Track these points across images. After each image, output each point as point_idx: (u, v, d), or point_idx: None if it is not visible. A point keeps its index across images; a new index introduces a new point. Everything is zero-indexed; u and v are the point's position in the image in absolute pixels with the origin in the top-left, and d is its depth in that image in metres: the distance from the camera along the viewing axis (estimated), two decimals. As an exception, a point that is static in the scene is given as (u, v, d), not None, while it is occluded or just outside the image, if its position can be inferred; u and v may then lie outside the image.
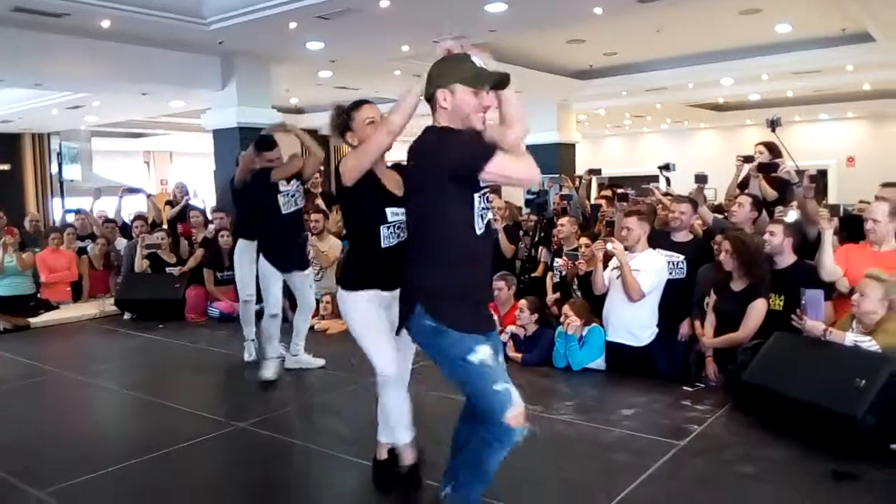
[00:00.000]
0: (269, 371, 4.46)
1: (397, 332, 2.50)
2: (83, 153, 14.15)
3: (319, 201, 7.60)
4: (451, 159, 2.14)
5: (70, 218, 9.08)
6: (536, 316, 4.78)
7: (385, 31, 7.06)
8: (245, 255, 4.75)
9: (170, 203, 8.35)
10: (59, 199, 12.78)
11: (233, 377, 4.72)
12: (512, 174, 2.19)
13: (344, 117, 2.72)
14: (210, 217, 7.60)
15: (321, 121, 16.42)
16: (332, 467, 3.27)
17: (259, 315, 4.78)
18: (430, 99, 2.24)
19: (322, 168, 11.91)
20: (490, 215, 2.31)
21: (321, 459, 3.37)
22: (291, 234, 4.55)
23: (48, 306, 7.15)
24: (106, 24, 6.53)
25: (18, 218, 9.32)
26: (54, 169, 13.33)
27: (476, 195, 2.21)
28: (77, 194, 13.27)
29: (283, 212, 4.44)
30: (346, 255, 2.92)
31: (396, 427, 2.73)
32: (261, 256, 4.50)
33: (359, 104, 2.74)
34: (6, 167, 13.23)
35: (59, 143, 13.55)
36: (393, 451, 2.81)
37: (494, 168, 2.12)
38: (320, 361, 4.76)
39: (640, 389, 4.14)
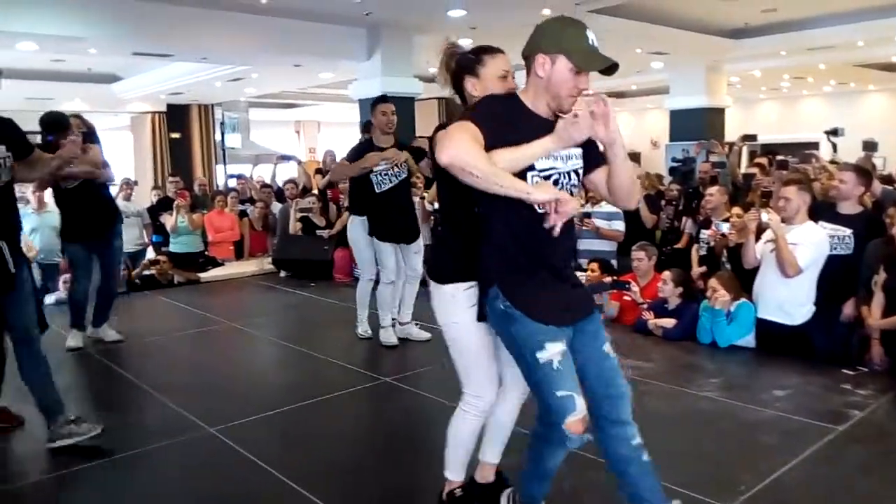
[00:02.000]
0: (392, 337, 4.65)
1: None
2: (242, 123, 15.28)
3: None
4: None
5: (232, 183, 9.92)
6: (681, 289, 4.63)
7: (527, -5, 6.98)
8: (360, 232, 4.68)
9: (319, 171, 8.83)
10: (222, 166, 13.88)
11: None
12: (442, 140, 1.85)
13: (472, 58, 2.24)
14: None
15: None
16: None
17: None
18: (527, 58, 1.95)
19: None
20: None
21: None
22: (392, 209, 4.50)
23: (215, 263, 7.88)
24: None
25: (188, 182, 10.29)
26: (218, 137, 14.47)
27: (529, 173, 1.93)
28: (237, 161, 14.40)
29: (377, 191, 4.41)
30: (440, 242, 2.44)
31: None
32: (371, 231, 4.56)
33: (495, 50, 2.27)
34: (177, 136, 14.57)
35: (221, 113, 14.69)
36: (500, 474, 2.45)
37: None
38: (426, 335, 4.74)
39: (794, 370, 3.92)
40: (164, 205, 8.22)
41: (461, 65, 2.25)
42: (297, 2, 7.24)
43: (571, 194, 1.97)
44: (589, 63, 1.89)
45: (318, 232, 7.59)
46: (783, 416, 3.30)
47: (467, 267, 2.14)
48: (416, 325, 4.82)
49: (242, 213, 8.54)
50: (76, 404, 3.45)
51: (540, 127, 1.93)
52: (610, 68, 1.88)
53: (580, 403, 1.94)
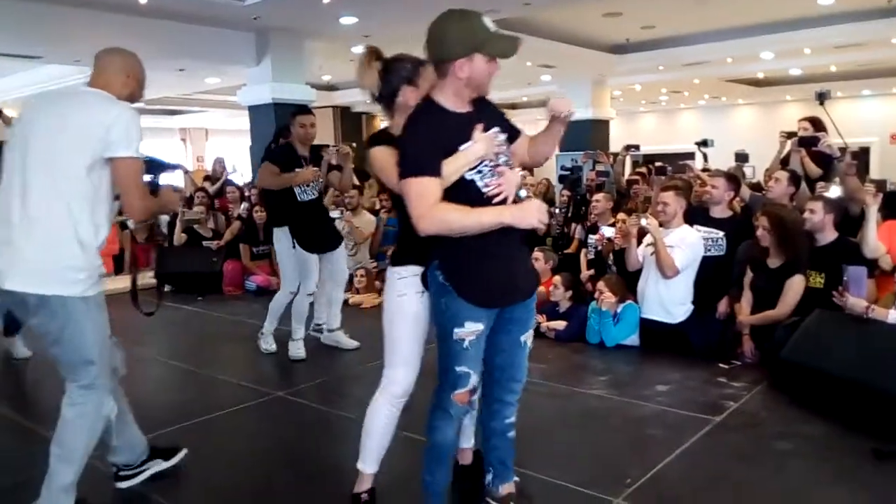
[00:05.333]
0: (301, 350, 4.50)
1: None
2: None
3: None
4: (400, 155, 2.05)
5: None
6: (570, 292, 4.78)
7: (418, 5, 7.02)
8: (285, 243, 4.47)
9: (208, 178, 8.48)
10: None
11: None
12: (410, 203, 2.00)
13: (410, 67, 2.27)
14: (247, 193, 7.71)
15: (353, 97, 16.34)
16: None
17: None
18: (441, 62, 2.03)
19: (353, 144, 12.03)
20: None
21: (356, 427, 3.43)
22: (314, 219, 4.43)
23: (91, 278, 7.34)
24: (144, 0, 6.61)
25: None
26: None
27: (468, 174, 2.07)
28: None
29: (299, 200, 4.32)
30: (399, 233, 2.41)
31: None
32: (295, 242, 4.41)
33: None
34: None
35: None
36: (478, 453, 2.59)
37: (403, 188, 2.01)
38: (354, 343, 4.68)
39: (675, 366, 4.12)
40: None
41: (401, 74, 2.29)
42: (180, 4, 6.92)
43: (509, 167, 2.13)
44: (503, 50, 2.02)
45: (205, 243, 7.27)
46: (666, 410, 3.46)
47: (422, 254, 2.20)
48: (345, 333, 4.73)
49: (123, 225, 8.02)
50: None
51: (461, 124, 2.06)
52: (516, 48, 2.03)
53: (473, 380, 2.17)
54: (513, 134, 2.24)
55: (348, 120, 16.44)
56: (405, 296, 2.27)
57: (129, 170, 2.28)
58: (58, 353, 2.33)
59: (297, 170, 4.27)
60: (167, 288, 7.12)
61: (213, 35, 8.08)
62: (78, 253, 2.25)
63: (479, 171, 2.06)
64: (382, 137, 2.31)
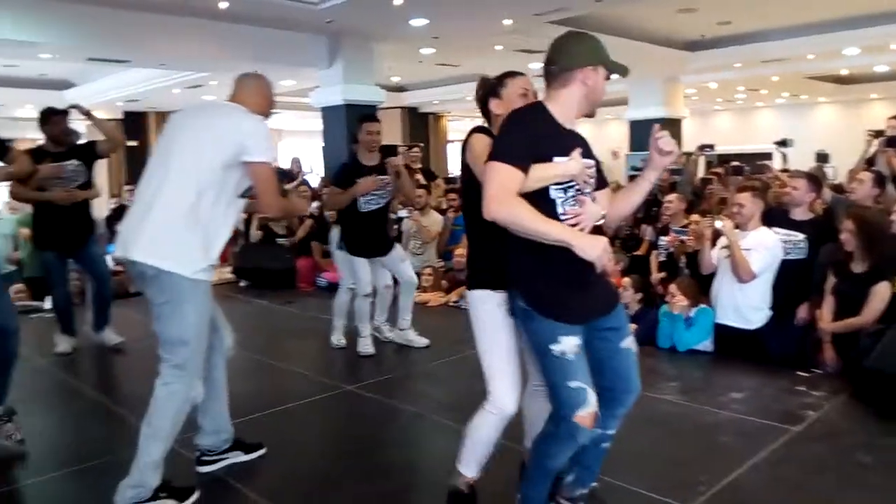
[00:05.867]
0: (369, 347, 4.60)
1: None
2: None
3: (419, 176, 7.74)
4: (494, 140, 2.12)
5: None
6: (641, 295, 4.70)
7: (488, 5, 7.03)
8: (335, 242, 4.70)
9: (284, 177, 8.73)
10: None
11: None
12: (488, 185, 1.99)
13: (494, 83, 2.42)
14: (319, 192, 7.91)
15: (420, 98, 16.54)
16: (431, 430, 3.41)
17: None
18: (567, 71, 2.08)
19: (421, 144, 12.13)
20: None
21: (421, 422, 3.51)
22: (367, 227, 4.47)
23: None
24: (224, 5, 6.87)
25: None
26: (175, 145, 14.17)
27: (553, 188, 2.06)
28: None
29: (361, 210, 4.38)
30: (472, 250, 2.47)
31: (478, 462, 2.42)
32: (342, 244, 4.56)
33: (517, 73, 2.44)
34: (134, 143, 14.26)
35: (178, 121, 14.40)
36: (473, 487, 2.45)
37: (487, 169, 2.00)
38: (425, 341, 4.75)
39: (751, 373, 4.00)
40: (120, 214, 8.01)
41: (485, 89, 2.44)
42: (257, 8, 7.17)
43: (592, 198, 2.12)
44: (621, 70, 2.12)
45: (279, 240, 7.49)
46: (740, 418, 3.36)
47: (497, 274, 2.22)
48: (416, 331, 4.78)
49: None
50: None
51: (563, 137, 2.08)
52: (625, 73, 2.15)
53: (592, 398, 2.07)
54: (600, 183, 2.21)
55: (416, 120, 16.62)
56: (494, 321, 2.28)
57: (265, 173, 2.56)
58: (159, 328, 2.51)
59: (357, 181, 4.33)
60: (243, 283, 7.41)
61: (288, 38, 8.33)
62: (198, 238, 2.46)
63: (564, 191, 2.05)
64: (480, 130, 2.39)
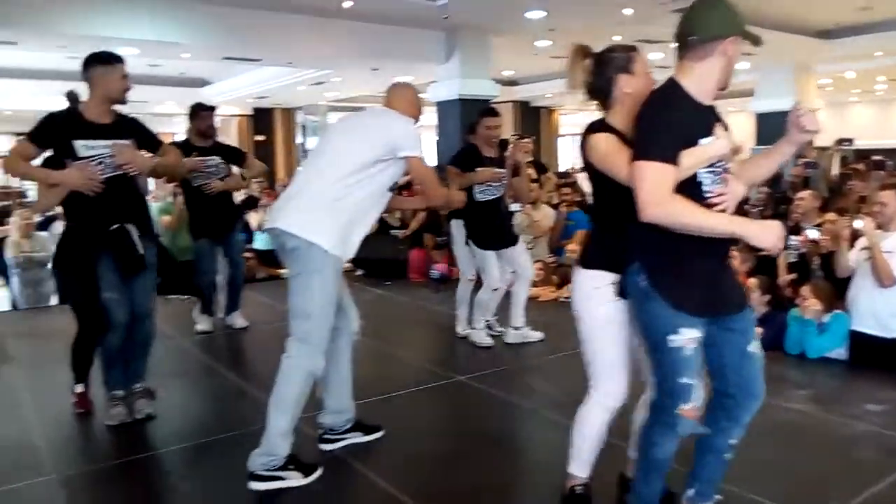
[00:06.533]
0: (485, 338, 4.63)
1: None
2: (322, 126, 15.70)
3: (531, 170, 7.68)
4: (637, 136, 1.97)
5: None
6: (768, 297, 4.46)
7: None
8: (459, 234, 4.72)
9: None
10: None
11: (450, 334, 4.97)
12: (641, 188, 1.89)
13: (623, 56, 2.18)
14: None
15: (533, 92, 16.38)
16: (545, 426, 3.39)
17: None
18: (703, 42, 1.92)
19: (533, 137, 12.06)
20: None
21: (534, 417, 3.51)
22: (489, 216, 4.51)
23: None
24: (348, 4, 7.13)
25: (271, 183, 10.66)
26: (299, 140, 14.94)
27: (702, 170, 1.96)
28: (315, 163, 14.81)
29: (476, 200, 4.41)
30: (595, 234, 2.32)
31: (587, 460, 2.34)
32: (469, 239, 4.58)
33: (633, 48, 2.23)
34: (262, 138, 15.12)
35: (302, 116, 15.15)
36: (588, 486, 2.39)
37: (636, 171, 1.91)
38: (539, 335, 4.73)
39: (891, 385, 3.70)
40: (249, 204, 8.52)
41: (615, 64, 2.18)
42: (377, 6, 7.39)
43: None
44: (755, 39, 1.95)
45: (392, 231, 7.70)
46: (878, 432, 3.13)
47: (618, 259, 2.11)
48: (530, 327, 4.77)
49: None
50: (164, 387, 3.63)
51: (703, 116, 1.96)
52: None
53: (699, 394, 2.00)
54: None
55: (528, 114, 16.55)
56: (603, 305, 2.17)
57: (421, 165, 2.80)
58: (290, 302, 2.68)
59: (477, 169, 4.38)
60: (359, 272, 7.68)
61: (407, 35, 8.53)
62: (339, 224, 2.62)
63: (712, 171, 1.94)
64: (600, 127, 2.19)
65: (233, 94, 13.09)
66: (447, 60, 8.88)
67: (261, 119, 15.21)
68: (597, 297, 2.18)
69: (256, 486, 2.63)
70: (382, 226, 7.77)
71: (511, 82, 14.71)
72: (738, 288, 2.19)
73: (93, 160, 3.10)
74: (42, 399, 3.70)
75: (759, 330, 4.35)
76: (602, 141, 2.12)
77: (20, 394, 3.82)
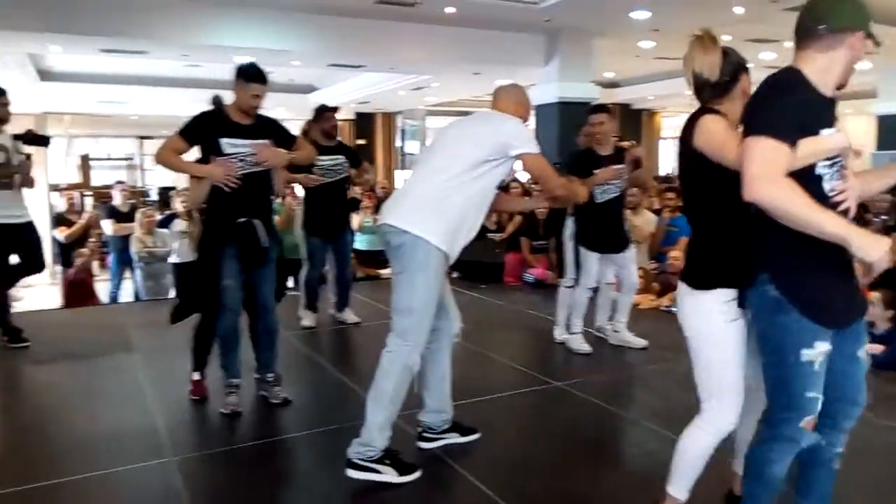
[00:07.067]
0: (583, 344, 4.55)
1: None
2: (420, 130, 16.00)
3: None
4: (751, 112, 1.87)
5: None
6: (892, 312, 4.15)
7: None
8: (568, 234, 4.64)
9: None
10: (401, 171, 14.63)
11: (546, 339, 4.93)
12: (751, 162, 1.76)
13: (736, 66, 2.10)
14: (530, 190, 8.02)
15: (635, 94, 16.03)
16: (644, 438, 3.30)
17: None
18: (831, 33, 1.83)
19: (634, 142, 11.77)
20: None
21: (634, 428, 3.44)
22: (603, 218, 4.44)
23: (393, 261, 8.29)
24: (451, 10, 7.23)
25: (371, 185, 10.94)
26: (398, 144, 15.29)
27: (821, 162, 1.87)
28: (414, 167, 15.16)
29: (597, 201, 4.33)
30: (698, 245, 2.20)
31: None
32: (577, 237, 4.53)
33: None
34: (363, 142, 15.58)
35: (402, 121, 15.49)
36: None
37: (748, 145, 1.80)
38: (643, 342, 4.63)
39: None
40: (350, 205, 8.78)
41: (739, 59, 2.14)
42: (479, 11, 7.44)
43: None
44: (876, 39, 1.87)
45: (489, 235, 7.72)
46: None
47: (729, 273, 2.02)
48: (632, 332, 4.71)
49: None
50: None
51: (825, 107, 1.87)
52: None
53: (819, 406, 1.93)
54: None
55: (629, 117, 16.18)
56: (722, 326, 2.06)
57: (536, 161, 2.81)
58: (393, 299, 2.73)
59: (594, 171, 4.29)
60: (456, 274, 7.75)
61: (507, 39, 8.55)
62: (446, 223, 2.67)
63: (832, 166, 1.85)
64: (710, 111, 2.09)
65: (338, 100, 13.56)
66: (547, 63, 8.83)
67: (363, 123, 15.68)
68: (715, 318, 2.06)
69: (352, 473, 2.73)
70: (479, 229, 7.80)
71: (612, 84, 14.43)
72: (862, 296, 2.07)
73: (234, 157, 3.34)
74: (162, 386, 3.96)
75: (880, 347, 4.09)
76: (713, 121, 2.03)
77: (141, 381, 4.10)
